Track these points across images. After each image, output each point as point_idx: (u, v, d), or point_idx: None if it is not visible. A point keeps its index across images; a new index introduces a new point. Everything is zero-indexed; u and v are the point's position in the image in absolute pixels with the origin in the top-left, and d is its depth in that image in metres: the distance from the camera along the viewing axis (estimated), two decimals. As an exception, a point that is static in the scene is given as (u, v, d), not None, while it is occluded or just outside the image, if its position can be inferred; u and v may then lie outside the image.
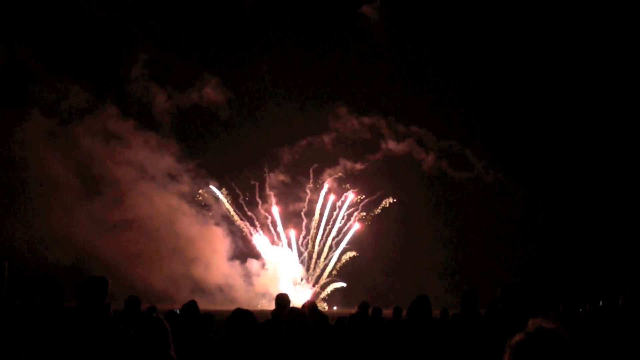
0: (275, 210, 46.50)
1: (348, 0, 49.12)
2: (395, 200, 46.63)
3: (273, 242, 46.59)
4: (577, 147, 44.99)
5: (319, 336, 6.22)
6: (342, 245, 46.43)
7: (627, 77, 42.35)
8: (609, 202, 42.79)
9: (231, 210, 46.27)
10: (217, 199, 46.11)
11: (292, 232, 46.70)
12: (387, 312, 8.90)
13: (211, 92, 45.89)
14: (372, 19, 48.07)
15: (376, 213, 46.75)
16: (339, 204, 46.57)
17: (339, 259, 46.40)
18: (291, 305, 5.92)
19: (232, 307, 4.66)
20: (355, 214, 46.64)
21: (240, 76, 47.20)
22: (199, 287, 42.39)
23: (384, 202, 46.60)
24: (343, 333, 7.61)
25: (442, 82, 48.31)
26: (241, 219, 46.15)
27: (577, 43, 43.67)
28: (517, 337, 2.15)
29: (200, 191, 45.37)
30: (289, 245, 46.64)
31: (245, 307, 4.60)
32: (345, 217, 46.76)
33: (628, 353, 4.44)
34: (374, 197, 46.68)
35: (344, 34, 48.68)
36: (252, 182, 46.18)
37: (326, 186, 46.30)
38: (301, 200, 46.82)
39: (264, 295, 44.03)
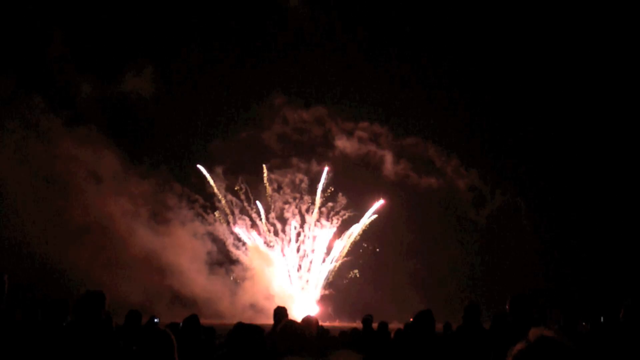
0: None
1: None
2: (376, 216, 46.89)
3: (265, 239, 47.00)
4: (561, 142, 45.11)
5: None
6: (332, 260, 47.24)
7: (613, 88, 43.10)
8: (599, 205, 42.97)
9: (219, 195, 46.51)
10: (181, 196, 46.24)
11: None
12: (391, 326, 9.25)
13: (142, 82, 46.02)
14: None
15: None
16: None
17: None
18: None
19: (216, 320, 4.78)
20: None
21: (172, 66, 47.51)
22: (177, 297, 42.38)
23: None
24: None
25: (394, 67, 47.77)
26: (230, 208, 46.76)
27: (556, 41, 44.26)
28: (519, 346, 2.31)
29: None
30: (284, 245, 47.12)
31: (229, 319, 4.70)
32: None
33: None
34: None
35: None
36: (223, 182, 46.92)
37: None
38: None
39: (251, 306, 44.32)
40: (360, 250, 47.29)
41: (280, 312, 6.61)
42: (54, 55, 44.19)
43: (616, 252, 40.92)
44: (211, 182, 46.42)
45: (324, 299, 47.19)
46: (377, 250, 47.54)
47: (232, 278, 46.51)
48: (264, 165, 47.15)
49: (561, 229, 44.33)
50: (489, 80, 45.43)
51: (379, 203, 46.57)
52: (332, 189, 46.93)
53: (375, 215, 46.58)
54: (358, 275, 47.22)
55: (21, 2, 43.92)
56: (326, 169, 46.82)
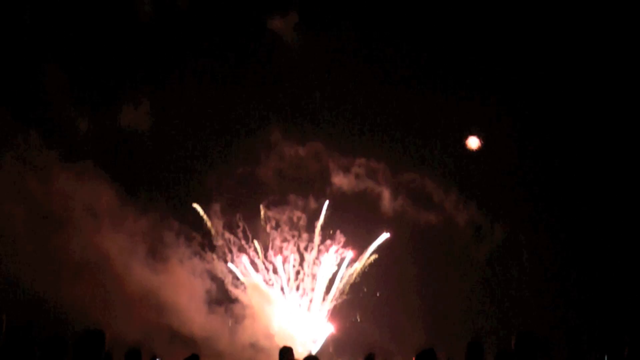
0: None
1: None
2: (376, 256, 46.79)
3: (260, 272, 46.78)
4: (563, 177, 45.06)
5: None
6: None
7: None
8: (604, 244, 42.66)
9: (213, 231, 46.59)
10: (179, 233, 45.99)
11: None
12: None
13: (139, 117, 46.41)
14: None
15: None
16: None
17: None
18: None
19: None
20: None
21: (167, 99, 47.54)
22: (176, 336, 41.85)
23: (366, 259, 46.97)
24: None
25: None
26: (228, 246, 46.63)
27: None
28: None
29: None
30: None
31: (229, 358, 4.74)
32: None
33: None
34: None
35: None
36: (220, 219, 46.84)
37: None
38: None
39: (251, 345, 44.02)
40: (361, 295, 47.24)
41: (286, 353, 6.58)
42: (50, 89, 44.64)
43: (621, 291, 40.73)
44: (208, 223, 46.55)
45: (324, 338, 46.88)
46: (378, 294, 47.35)
47: (231, 317, 46.18)
48: (261, 205, 47.26)
49: (565, 266, 44.14)
50: (486, 117, 45.61)
51: (384, 236, 46.57)
52: (331, 229, 46.98)
53: (375, 256, 46.57)
54: (359, 320, 47.03)
55: (16, 35, 44.43)
56: (327, 203, 46.86)
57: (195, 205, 46.59)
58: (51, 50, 45.26)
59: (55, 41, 45.31)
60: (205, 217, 46.65)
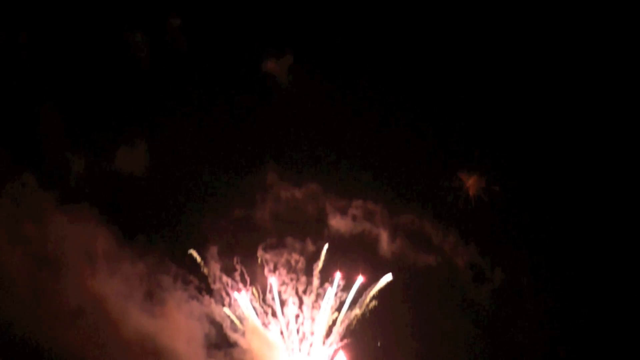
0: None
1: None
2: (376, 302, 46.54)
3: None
4: (565, 220, 45.51)
5: None
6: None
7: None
8: (610, 291, 43.19)
9: (210, 274, 46.07)
10: (176, 277, 45.55)
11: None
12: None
13: (136, 159, 46.58)
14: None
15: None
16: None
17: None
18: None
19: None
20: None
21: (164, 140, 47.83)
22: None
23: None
24: None
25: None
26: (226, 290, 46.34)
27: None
28: None
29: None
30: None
31: None
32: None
33: None
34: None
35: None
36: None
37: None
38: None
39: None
40: (361, 340, 46.87)
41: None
42: (46, 132, 44.64)
43: (621, 335, 40.80)
44: (205, 270, 46.27)
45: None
46: (379, 344, 47.06)
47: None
48: (259, 247, 47.08)
49: (567, 311, 44.20)
50: (484, 159, 45.99)
51: (387, 278, 46.37)
52: (330, 272, 46.76)
53: (375, 302, 46.39)
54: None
55: (12, 78, 44.54)
56: (326, 247, 46.69)
57: (192, 251, 46.25)
58: (47, 93, 45.55)
59: (51, 84, 45.63)
60: (201, 262, 46.33)
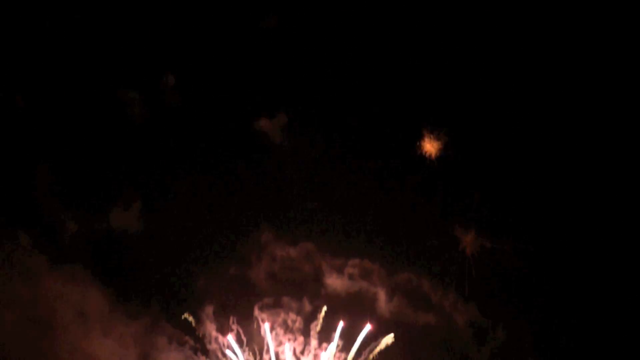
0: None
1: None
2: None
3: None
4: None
5: None
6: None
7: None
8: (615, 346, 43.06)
9: (205, 335, 45.49)
10: (171, 338, 45.04)
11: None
12: None
13: (130, 218, 46.66)
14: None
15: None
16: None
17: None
18: None
19: None
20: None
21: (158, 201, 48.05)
22: None
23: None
24: None
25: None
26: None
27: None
28: None
29: None
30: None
31: None
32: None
33: None
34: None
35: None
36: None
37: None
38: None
39: None
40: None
41: None
42: (40, 191, 44.62)
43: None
44: (200, 332, 45.82)
45: None
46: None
47: None
48: (255, 307, 46.72)
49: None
50: (483, 217, 46.26)
51: (389, 338, 45.89)
52: (327, 332, 46.39)
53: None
54: None
55: (7, 138, 44.67)
56: (324, 309, 46.39)
57: (187, 315, 45.82)
58: (41, 153, 45.67)
59: (45, 145, 45.79)
60: (196, 324, 45.88)
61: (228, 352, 45.48)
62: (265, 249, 48.59)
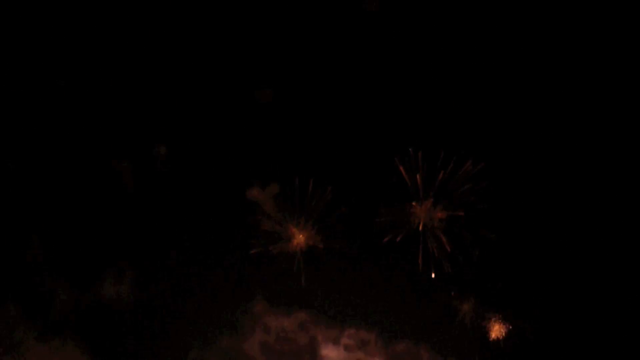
0: None
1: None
2: None
3: None
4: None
5: None
6: None
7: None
8: None
9: None
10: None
11: None
12: None
13: (121, 289, 46.31)
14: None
15: None
16: None
17: None
18: None
19: None
20: None
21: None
22: None
23: None
24: None
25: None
26: None
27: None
28: None
29: None
30: None
31: None
32: None
33: None
34: None
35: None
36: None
37: None
38: None
39: None
40: None
41: None
42: (29, 262, 44.27)
43: None
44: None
45: None
46: None
47: None
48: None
49: None
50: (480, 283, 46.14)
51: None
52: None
53: None
54: None
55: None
56: None
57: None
58: (32, 224, 45.50)
59: (35, 216, 45.62)
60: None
61: None
62: (258, 320, 48.06)
